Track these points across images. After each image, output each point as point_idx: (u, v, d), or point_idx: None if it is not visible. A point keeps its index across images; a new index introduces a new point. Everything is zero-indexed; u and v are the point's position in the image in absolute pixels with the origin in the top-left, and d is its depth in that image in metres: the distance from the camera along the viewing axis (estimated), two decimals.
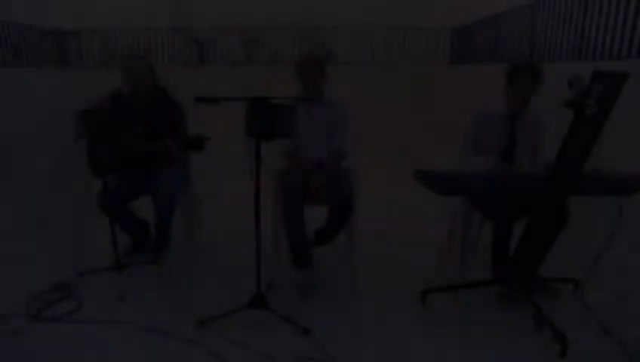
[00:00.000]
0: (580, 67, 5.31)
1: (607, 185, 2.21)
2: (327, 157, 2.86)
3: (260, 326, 2.22)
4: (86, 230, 3.01)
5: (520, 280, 2.32)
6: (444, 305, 2.43)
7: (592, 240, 3.05)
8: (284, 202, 2.70)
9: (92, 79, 10.02)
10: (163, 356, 1.99)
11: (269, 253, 2.97)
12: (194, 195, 3.33)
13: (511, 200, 2.39)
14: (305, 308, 2.35)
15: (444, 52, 11.09)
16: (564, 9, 5.95)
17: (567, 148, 1.97)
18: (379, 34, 11.28)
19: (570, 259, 2.93)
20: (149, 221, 3.13)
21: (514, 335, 2.14)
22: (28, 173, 5.72)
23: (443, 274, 2.81)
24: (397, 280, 2.73)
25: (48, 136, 7.97)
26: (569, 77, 1.98)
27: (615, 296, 2.33)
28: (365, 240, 3.26)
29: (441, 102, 10.41)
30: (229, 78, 9.60)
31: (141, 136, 2.78)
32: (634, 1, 4.52)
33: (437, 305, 2.41)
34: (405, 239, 3.42)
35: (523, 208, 2.41)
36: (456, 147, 2.76)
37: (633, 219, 2.31)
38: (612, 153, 4.16)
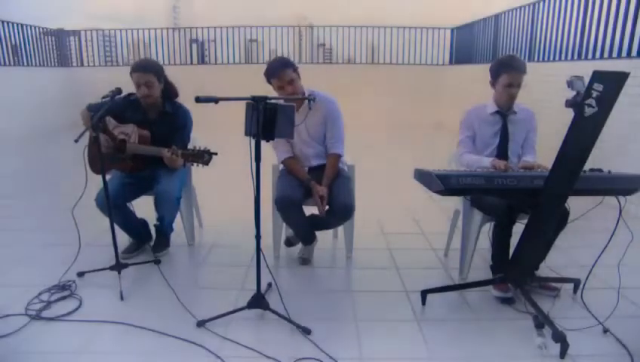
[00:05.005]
0: (580, 67, 5.32)
1: (607, 185, 2.21)
2: (328, 161, 2.83)
3: (260, 326, 2.21)
4: (86, 230, 3.00)
5: (520, 279, 2.31)
6: (444, 305, 2.43)
7: (592, 240, 3.06)
8: (282, 213, 2.72)
9: (92, 79, 10.03)
10: (163, 356, 1.98)
11: (269, 253, 2.98)
12: (194, 195, 3.34)
13: (510, 199, 2.39)
14: (305, 308, 2.35)
15: (445, 52, 11.07)
16: (564, 9, 5.95)
17: (567, 148, 1.97)
18: (379, 34, 11.25)
19: (570, 259, 2.94)
20: (149, 221, 3.14)
21: (514, 335, 2.14)
22: (27, 173, 5.72)
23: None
24: (397, 280, 2.73)
25: (48, 135, 7.97)
26: (569, 77, 1.98)
27: (615, 296, 2.32)
28: (365, 239, 3.27)
29: (442, 102, 10.41)
30: (229, 78, 9.59)
31: (147, 139, 2.78)
32: (634, 1, 4.51)
33: (437, 305, 2.41)
34: (405, 239, 3.42)
35: (523, 208, 2.41)
36: (455, 147, 2.76)
37: (633, 219, 2.31)
38: (612, 153, 4.17)
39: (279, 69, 2.64)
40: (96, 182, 2.62)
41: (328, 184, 2.73)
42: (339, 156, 2.84)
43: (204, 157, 2.58)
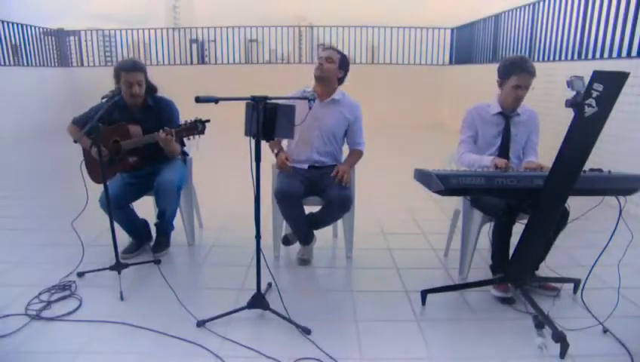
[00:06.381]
0: (580, 67, 5.31)
1: (607, 185, 2.21)
2: (351, 153, 2.99)
3: (260, 326, 2.21)
4: (86, 230, 3.01)
5: (520, 279, 2.31)
6: (444, 305, 2.43)
7: (592, 240, 3.06)
8: (281, 206, 2.75)
9: (92, 79, 10.02)
10: (163, 356, 1.98)
11: (269, 252, 2.98)
12: (194, 195, 3.34)
13: (510, 199, 2.39)
14: (305, 308, 2.35)
15: (445, 52, 11.07)
16: (564, 9, 5.95)
17: (567, 148, 1.97)
18: (379, 34, 11.25)
19: (570, 259, 2.94)
20: (149, 221, 3.14)
21: (514, 335, 2.14)
22: (27, 173, 5.72)
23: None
24: (397, 280, 2.73)
25: (48, 135, 7.97)
26: (569, 77, 1.98)
27: (615, 296, 2.32)
28: (365, 239, 3.27)
29: (442, 102, 10.41)
30: (229, 77, 9.59)
31: (139, 133, 2.79)
32: (634, 1, 4.51)
33: (437, 305, 2.41)
34: (405, 239, 3.42)
35: (523, 208, 2.41)
36: (455, 147, 2.76)
37: (633, 219, 2.31)
38: (611, 153, 4.17)
39: (326, 48, 2.90)
40: (97, 188, 2.62)
41: (350, 165, 2.91)
42: (362, 153, 3.01)
43: (197, 127, 2.56)
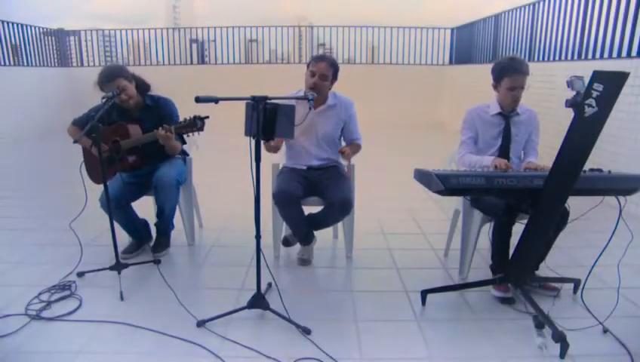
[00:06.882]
0: (580, 67, 5.31)
1: (608, 185, 2.21)
2: (351, 144, 2.95)
3: (260, 326, 2.21)
4: (86, 230, 3.01)
5: (520, 279, 2.31)
6: (444, 305, 2.43)
7: (592, 240, 3.06)
8: (279, 206, 2.74)
9: (92, 79, 10.00)
10: (163, 356, 1.98)
11: (269, 252, 2.98)
12: (194, 195, 3.34)
13: (510, 199, 2.39)
14: (305, 308, 2.35)
15: (445, 52, 11.07)
16: (564, 9, 5.94)
17: (567, 148, 1.97)
18: (379, 34, 11.25)
19: (570, 259, 2.94)
20: (149, 221, 3.14)
21: (514, 335, 2.14)
22: (27, 173, 5.72)
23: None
24: (397, 280, 2.73)
25: (48, 135, 7.97)
26: (569, 77, 1.98)
27: (615, 296, 2.32)
28: (365, 239, 3.27)
29: (442, 102, 10.41)
30: (229, 78, 9.59)
31: (138, 132, 2.79)
32: (634, 1, 4.51)
33: (437, 305, 2.41)
34: (405, 239, 3.42)
35: (523, 208, 2.41)
36: (455, 147, 2.76)
37: (633, 219, 2.31)
38: (612, 153, 4.17)
39: (319, 58, 2.79)
40: (97, 188, 2.61)
41: (352, 152, 2.84)
42: (360, 146, 3.00)
43: (197, 124, 2.53)
